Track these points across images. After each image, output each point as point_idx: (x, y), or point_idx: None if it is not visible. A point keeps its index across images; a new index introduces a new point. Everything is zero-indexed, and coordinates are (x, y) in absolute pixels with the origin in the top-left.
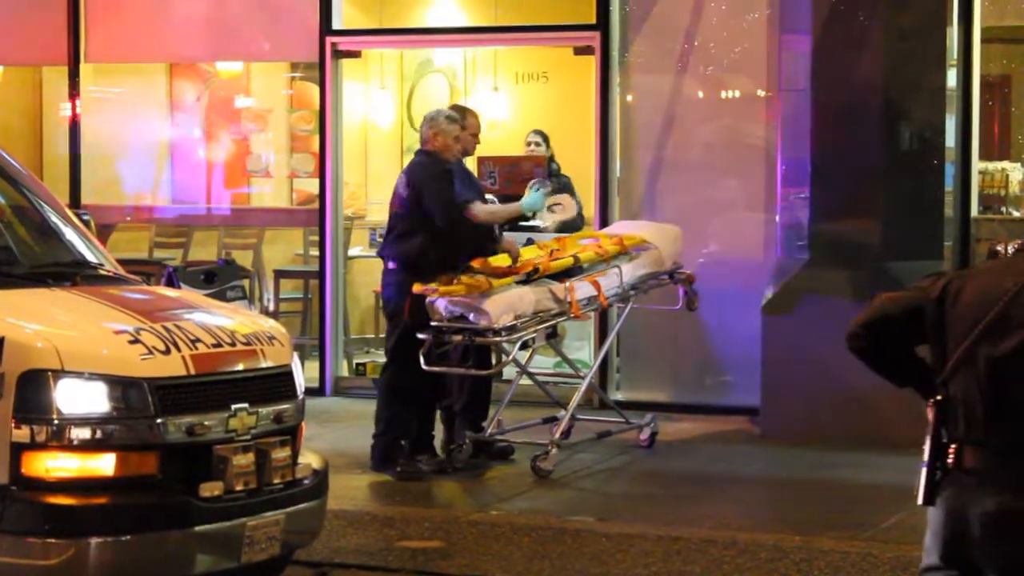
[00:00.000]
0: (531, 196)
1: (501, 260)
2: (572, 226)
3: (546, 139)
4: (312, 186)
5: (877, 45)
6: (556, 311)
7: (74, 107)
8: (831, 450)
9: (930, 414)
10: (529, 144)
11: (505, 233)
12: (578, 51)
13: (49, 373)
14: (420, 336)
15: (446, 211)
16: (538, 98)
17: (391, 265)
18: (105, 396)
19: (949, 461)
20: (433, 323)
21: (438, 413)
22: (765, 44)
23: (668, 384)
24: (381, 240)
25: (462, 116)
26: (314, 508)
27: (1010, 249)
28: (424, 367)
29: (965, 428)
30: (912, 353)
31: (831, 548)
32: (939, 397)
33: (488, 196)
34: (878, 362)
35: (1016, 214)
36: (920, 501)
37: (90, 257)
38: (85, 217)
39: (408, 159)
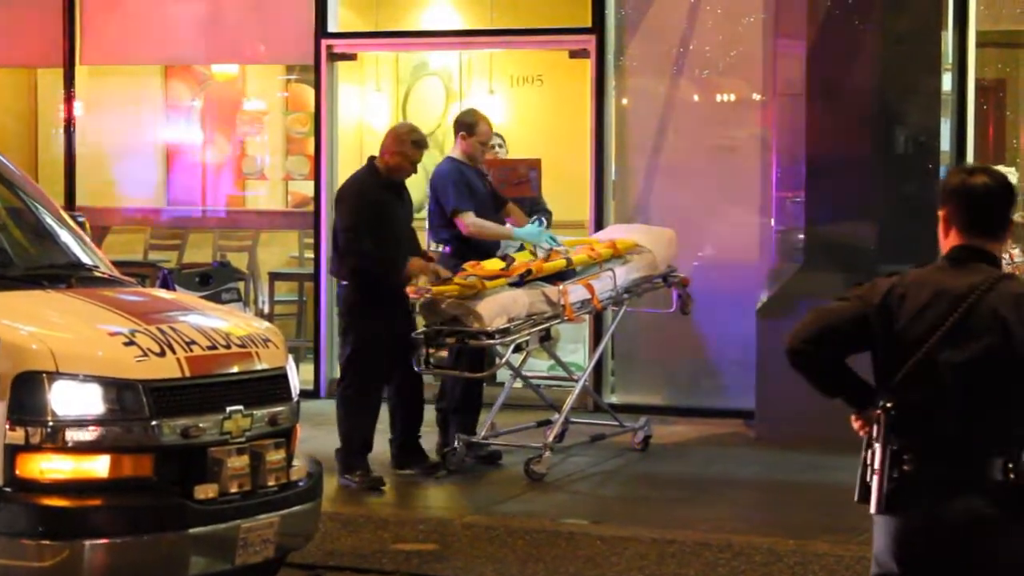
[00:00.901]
0: (530, 228)
1: (494, 264)
2: None
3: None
4: (307, 188)
5: (872, 49)
6: (550, 314)
7: (69, 109)
8: (826, 453)
9: (878, 421)
10: (493, 147)
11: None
12: (573, 54)
13: (44, 375)
14: (414, 337)
15: (343, 234)
16: (533, 101)
17: (343, 281)
18: (100, 398)
19: (906, 468)
20: (426, 326)
21: (434, 415)
22: (760, 48)
23: (662, 387)
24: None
25: (475, 123)
26: (308, 510)
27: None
28: (418, 370)
29: (926, 435)
30: (845, 363)
31: (826, 551)
32: (889, 404)
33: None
34: (821, 375)
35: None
36: (875, 510)
37: (85, 259)
38: (80, 219)
39: None
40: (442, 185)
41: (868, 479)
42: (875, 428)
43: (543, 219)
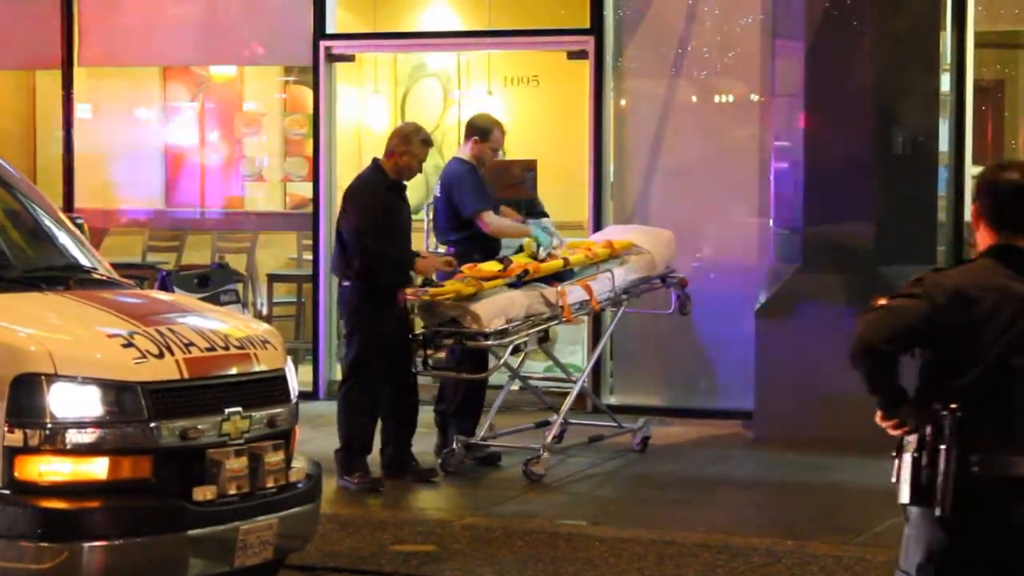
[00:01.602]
0: (541, 231)
1: (491, 266)
2: None
3: None
4: (306, 190)
5: (870, 50)
6: (548, 315)
7: (68, 111)
8: (824, 454)
9: (942, 422)
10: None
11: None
12: (572, 55)
13: (42, 377)
14: (412, 338)
15: (354, 236)
16: (531, 102)
17: (345, 283)
18: (98, 400)
19: (975, 471)
20: (424, 328)
21: (432, 417)
22: (758, 49)
23: (661, 388)
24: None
25: (490, 129)
26: (307, 512)
27: None
28: (416, 372)
29: (998, 439)
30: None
31: (824, 552)
32: (954, 406)
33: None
34: (889, 374)
35: None
36: (940, 511)
37: (83, 261)
38: (79, 221)
39: None
40: (459, 186)
41: (924, 480)
42: (929, 430)
43: (548, 229)
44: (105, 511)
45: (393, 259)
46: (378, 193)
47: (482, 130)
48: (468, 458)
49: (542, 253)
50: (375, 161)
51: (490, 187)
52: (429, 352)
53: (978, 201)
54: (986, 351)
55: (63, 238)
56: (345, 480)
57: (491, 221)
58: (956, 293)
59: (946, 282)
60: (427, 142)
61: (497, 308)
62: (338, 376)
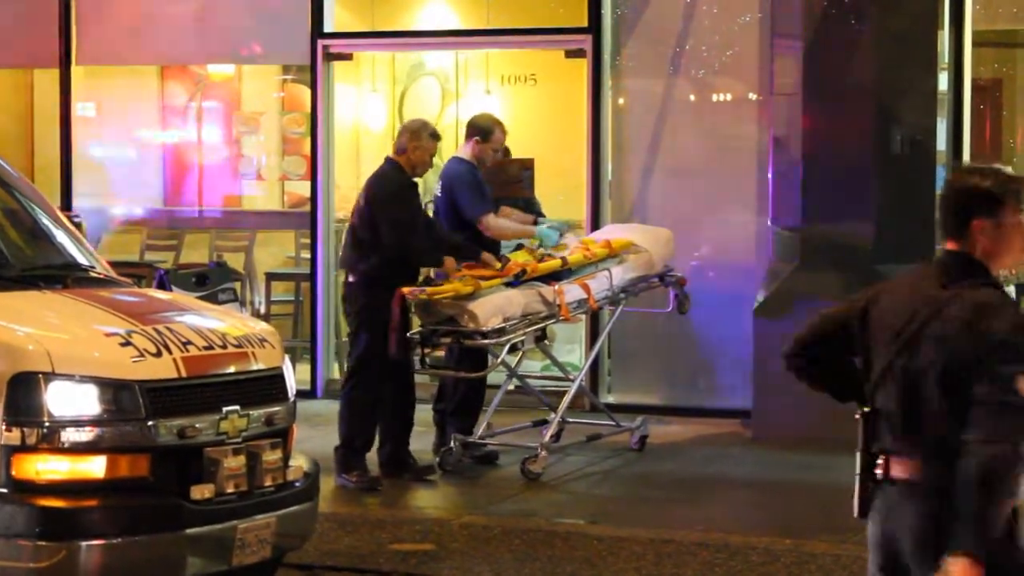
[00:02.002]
0: (547, 231)
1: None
2: None
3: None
4: (304, 188)
5: (868, 48)
6: (545, 314)
7: (66, 109)
8: (822, 453)
9: (858, 426)
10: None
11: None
12: (569, 54)
13: (40, 376)
14: (410, 336)
15: (394, 231)
16: (529, 101)
17: (351, 278)
18: (96, 398)
19: (878, 472)
20: (421, 326)
21: (431, 415)
22: (757, 47)
23: (659, 387)
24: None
25: (491, 129)
26: (305, 511)
27: None
28: (417, 371)
29: (890, 439)
30: (851, 365)
31: (823, 551)
32: (866, 409)
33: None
34: (816, 379)
35: None
36: (856, 514)
37: (81, 260)
38: (77, 219)
39: None
40: (460, 188)
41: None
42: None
43: (559, 228)
44: (103, 510)
45: (423, 250)
46: (401, 188)
47: (484, 130)
48: (466, 457)
49: (546, 245)
50: (389, 159)
51: (489, 186)
52: (427, 351)
53: None
54: (882, 354)
55: (61, 237)
56: (343, 478)
57: (491, 225)
58: (869, 298)
59: (870, 289)
60: (435, 136)
61: (495, 307)
62: (336, 375)
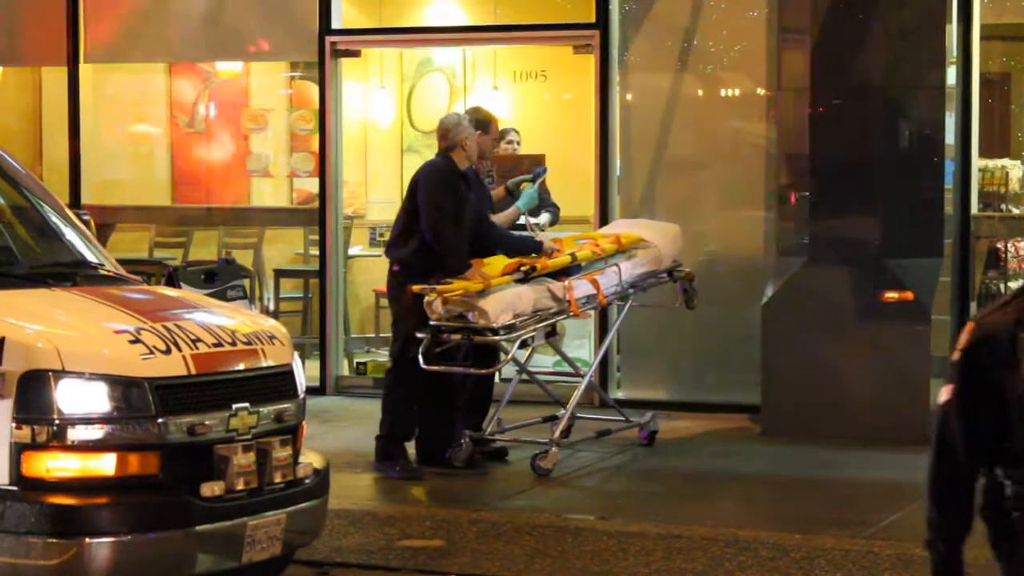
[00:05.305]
0: (524, 195)
1: (499, 261)
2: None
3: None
4: (312, 185)
5: (876, 43)
6: (555, 310)
7: (74, 107)
8: (831, 448)
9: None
10: (511, 142)
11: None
12: (577, 50)
13: (50, 373)
14: (418, 335)
15: (431, 215)
16: (537, 97)
17: (395, 268)
18: (106, 396)
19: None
20: (432, 322)
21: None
22: (764, 42)
23: (668, 382)
24: (384, 239)
25: (489, 121)
26: (315, 507)
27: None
28: (423, 367)
29: None
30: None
31: (832, 546)
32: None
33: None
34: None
35: (1016, 212)
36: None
37: (90, 257)
38: (85, 217)
39: (408, 158)
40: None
41: None
42: None
43: (535, 176)
44: (113, 507)
45: (453, 247)
46: (448, 176)
47: (482, 123)
48: (476, 452)
49: (542, 219)
50: (442, 153)
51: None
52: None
53: None
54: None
55: (70, 234)
56: (384, 466)
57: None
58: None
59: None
60: (479, 125)
61: (505, 303)
62: (345, 371)
